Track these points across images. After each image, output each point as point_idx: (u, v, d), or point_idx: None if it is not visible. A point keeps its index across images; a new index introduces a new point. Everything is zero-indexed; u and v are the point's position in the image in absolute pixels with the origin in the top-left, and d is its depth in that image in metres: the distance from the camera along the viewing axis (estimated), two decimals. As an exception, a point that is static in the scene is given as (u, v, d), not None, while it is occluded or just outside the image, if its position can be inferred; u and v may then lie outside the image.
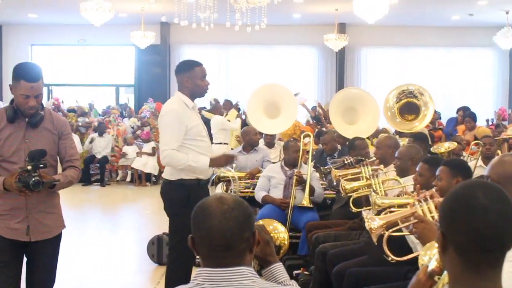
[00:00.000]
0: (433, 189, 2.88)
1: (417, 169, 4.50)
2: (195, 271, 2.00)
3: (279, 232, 2.85)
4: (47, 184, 3.42)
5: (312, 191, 6.39)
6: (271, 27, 14.60)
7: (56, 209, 3.76)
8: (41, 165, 3.37)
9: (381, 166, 5.26)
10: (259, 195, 6.62)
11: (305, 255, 5.81)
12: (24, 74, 3.46)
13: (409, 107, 8.38)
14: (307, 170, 6.47)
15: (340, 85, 17.91)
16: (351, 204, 4.77)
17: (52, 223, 3.71)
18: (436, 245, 2.32)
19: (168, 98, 16.80)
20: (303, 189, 6.39)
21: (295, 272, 5.55)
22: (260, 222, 2.95)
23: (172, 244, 4.60)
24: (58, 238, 3.79)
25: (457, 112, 10.60)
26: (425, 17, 16.49)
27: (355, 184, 4.82)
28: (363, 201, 4.94)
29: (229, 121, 11.20)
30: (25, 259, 3.73)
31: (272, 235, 2.76)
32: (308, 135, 7.12)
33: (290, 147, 6.77)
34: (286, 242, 2.87)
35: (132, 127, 15.01)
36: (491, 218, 1.61)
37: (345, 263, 4.44)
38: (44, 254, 3.70)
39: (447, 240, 1.69)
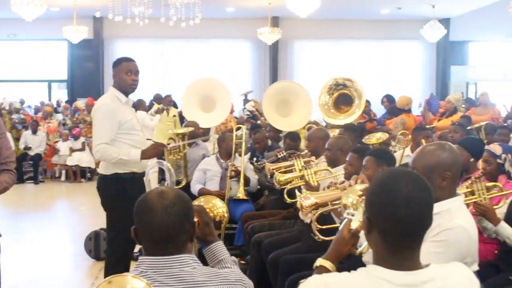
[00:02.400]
0: (363, 175, 3.04)
1: (347, 158, 4.70)
2: (134, 262, 2.10)
3: (218, 207, 3.01)
4: None
5: (247, 181, 6.54)
6: (205, 21, 14.66)
7: None
8: None
9: (313, 158, 5.44)
10: (195, 188, 6.72)
11: (242, 246, 5.94)
12: None
13: (343, 98, 8.48)
14: (241, 161, 6.61)
15: (274, 78, 18.11)
16: (285, 195, 4.89)
17: None
18: (358, 188, 2.51)
19: (102, 94, 16.62)
20: (238, 181, 6.53)
21: (232, 262, 5.67)
22: (201, 199, 3.10)
23: (110, 238, 4.67)
24: None
25: (382, 101, 10.77)
26: (355, 10, 16.87)
27: (289, 175, 4.95)
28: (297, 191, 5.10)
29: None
30: None
31: (212, 212, 2.92)
32: (240, 128, 7.24)
33: (227, 137, 6.91)
34: (226, 215, 3.02)
35: (64, 124, 14.76)
36: (414, 208, 1.80)
37: (280, 251, 4.60)
38: None
39: (372, 224, 1.86)
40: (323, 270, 2.25)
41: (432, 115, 10.43)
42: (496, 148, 4.70)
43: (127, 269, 4.65)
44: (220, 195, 6.47)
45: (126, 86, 4.61)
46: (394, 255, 1.83)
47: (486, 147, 4.95)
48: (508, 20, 16.12)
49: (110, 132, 4.49)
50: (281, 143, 8.02)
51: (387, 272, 1.80)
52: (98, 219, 8.10)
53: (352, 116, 8.39)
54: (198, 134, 8.12)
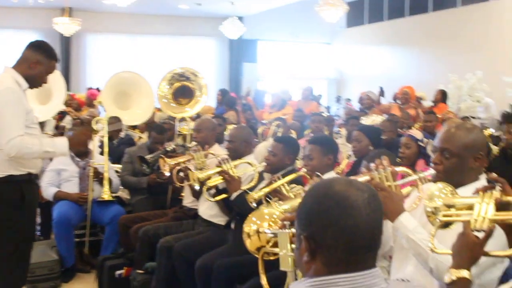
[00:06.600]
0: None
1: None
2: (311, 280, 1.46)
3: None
4: None
5: (110, 182, 5.81)
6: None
7: None
8: None
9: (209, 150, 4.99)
10: (49, 191, 5.75)
11: (127, 253, 5.18)
12: None
13: (182, 91, 8.09)
14: (104, 159, 5.87)
15: (66, 71, 16.92)
16: (205, 195, 4.31)
17: None
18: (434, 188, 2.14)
19: None
20: (100, 181, 5.78)
21: (117, 272, 4.94)
22: (252, 218, 2.55)
23: (3, 255, 3.69)
24: None
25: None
26: (153, 4, 16.37)
27: (209, 172, 4.34)
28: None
29: None
30: None
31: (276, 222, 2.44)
32: (100, 120, 6.38)
33: (77, 134, 6.05)
34: None
35: None
36: None
37: (208, 255, 4.04)
38: None
39: None
40: (463, 281, 1.88)
41: (257, 110, 10.45)
42: (417, 133, 4.76)
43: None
44: (82, 198, 5.69)
45: (38, 83, 3.81)
46: None
47: (407, 132, 5.00)
48: (292, 22, 17.05)
49: (22, 121, 3.55)
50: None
51: None
52: None
53: (198, 105, 8.06)
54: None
